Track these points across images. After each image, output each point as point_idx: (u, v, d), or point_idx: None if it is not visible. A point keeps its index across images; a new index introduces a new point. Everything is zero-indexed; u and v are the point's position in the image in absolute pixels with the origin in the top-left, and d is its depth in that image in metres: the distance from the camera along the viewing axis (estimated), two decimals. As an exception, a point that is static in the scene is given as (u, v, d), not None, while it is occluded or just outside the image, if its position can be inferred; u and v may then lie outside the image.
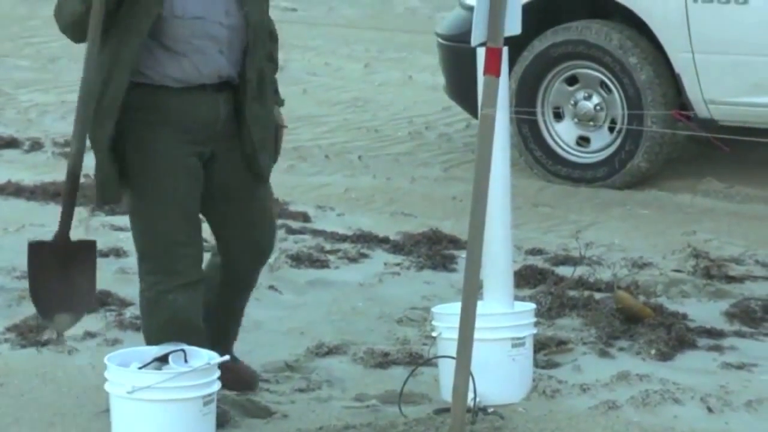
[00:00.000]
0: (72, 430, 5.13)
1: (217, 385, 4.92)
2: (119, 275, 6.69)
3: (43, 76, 11.50)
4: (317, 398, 5.23)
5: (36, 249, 5.20)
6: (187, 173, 4.95)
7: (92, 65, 4.91)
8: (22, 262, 6.52)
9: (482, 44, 4.76)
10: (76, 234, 7.31)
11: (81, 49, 12.33)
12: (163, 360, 4.92)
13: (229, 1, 4.92)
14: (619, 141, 8.32)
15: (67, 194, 5.20)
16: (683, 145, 8.57)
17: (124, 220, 7.26)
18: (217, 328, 5.19)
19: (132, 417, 4.86)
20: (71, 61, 11.37)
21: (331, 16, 14.82)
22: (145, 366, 4.90)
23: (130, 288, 6.37)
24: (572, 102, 8.41)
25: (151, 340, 5.02)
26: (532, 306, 5.49)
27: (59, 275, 5.07)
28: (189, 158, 4.97)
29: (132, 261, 6.57)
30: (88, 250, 5.21)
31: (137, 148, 4.91)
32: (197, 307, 5.01)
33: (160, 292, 4.95)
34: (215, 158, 5.01)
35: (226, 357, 4.97)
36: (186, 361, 4.91)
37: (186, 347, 5.01)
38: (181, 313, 4.98)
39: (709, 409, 5.18)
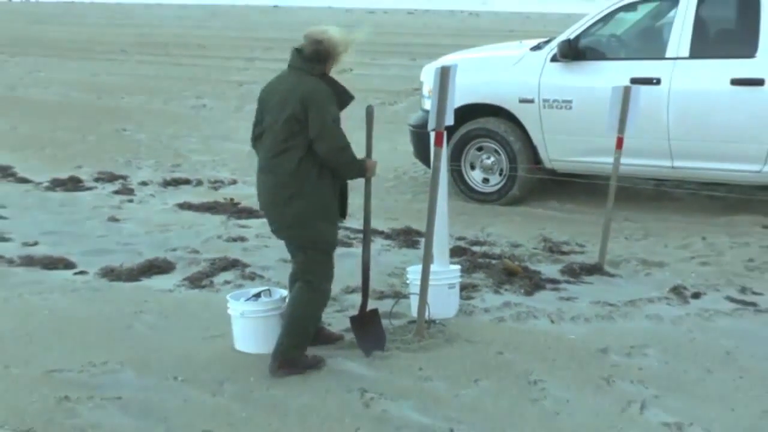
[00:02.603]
0: (217, 330, 5.38)
1: None
2: (243, 251, 7.02)
3: (203, 146, 11.75)
4: (346, 315, 5.52)
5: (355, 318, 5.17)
6: None
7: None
8: (192, 244, 7.24)
9: (433, 130, 5.25)
10: (218, 230, 7.44)
11: (226, 128, 11.28)
12: (258, 296, 5.21)
13: None
14: (504, 180, 8.61)
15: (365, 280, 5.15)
16: (537, 182, 8.68)
17: (246, 222, 7.86)
18: None
19: (242, 327, 5.11)
20: (219, 139, 12.02)
21: (354, 115, 13.04)
22: (248, 299, 5.17)
23: (249, 257, 6.80)
24: (480, 160, 8.71)
25: (317, 312, 4.91)
26: (458, 267, 5.85)
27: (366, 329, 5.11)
28: None
29: (250, 243, 7.22)
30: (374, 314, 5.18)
31: None
32: None
33: (328, 291, 4.94)
34: None
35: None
36: (271, 296, 5.21)
37: (271, 288, 5.32)
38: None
39: (552, 321, 5.59)
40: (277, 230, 4.92)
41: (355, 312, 5.24)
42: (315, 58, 4.71)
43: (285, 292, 5.12)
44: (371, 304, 5.63)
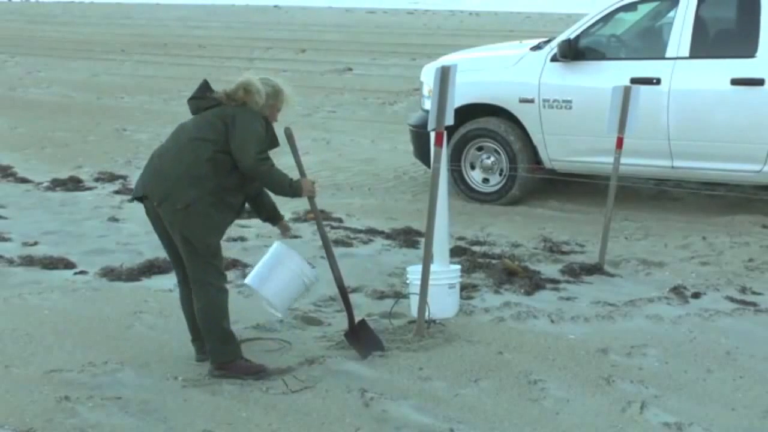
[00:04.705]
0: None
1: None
2: (243, 251, 7.09)
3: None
4: (346, 315, 5.32)
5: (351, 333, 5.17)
6: None
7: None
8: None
9: (433, 130, 5.29)
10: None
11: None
12: None
13: None
14: (504, 180, 8.70)
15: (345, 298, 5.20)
16: (537, 182, 8.78)
17: (246, 222, 7.53)
18: None
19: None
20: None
21: (355, 115, 14.17)
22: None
23: (249, 257, 6.81)
24: (480, 160, 8.81)
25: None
26: (458, 266, 5.93)
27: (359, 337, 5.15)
28: None
29: (250, 243, 7.26)
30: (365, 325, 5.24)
31: None
32: None
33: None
34: None
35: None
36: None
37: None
38: None
39: (552, 321, 5.65)
40: None
41: (349, 320, 5.28)
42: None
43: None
44: (369, 305, 5.83)
